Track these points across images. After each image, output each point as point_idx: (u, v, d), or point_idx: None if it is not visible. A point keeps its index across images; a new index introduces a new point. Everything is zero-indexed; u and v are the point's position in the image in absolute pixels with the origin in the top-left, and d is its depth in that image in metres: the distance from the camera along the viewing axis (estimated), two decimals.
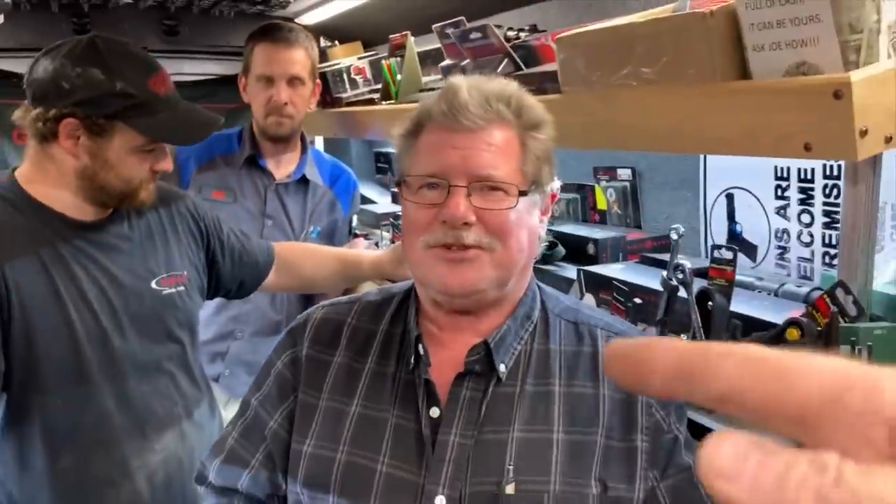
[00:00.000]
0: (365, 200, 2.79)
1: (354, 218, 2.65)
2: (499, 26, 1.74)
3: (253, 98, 2.29)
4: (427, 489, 1.05)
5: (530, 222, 1.11)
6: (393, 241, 2.43)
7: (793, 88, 1.01)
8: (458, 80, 1.12)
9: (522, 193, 1.08)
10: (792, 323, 1.11)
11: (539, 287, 1.21)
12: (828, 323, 1.07)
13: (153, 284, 1.57)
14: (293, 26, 2.31)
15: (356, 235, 2.58)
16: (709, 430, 1.16)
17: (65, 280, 1.45)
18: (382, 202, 3.15)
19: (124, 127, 1.44)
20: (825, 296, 1.12)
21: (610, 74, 1.30)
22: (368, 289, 1.77)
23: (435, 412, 1.09)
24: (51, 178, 1.48)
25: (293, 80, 2.26)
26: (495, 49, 1.60)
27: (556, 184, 1.20)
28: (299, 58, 2.26)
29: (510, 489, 1.03)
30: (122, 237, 1.56)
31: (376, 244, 2.44)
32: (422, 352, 1.12)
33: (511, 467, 1.03)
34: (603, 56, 1.32)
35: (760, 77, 1.08)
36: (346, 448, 1.12)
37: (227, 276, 1.80)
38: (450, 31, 1.78)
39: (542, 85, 1.50)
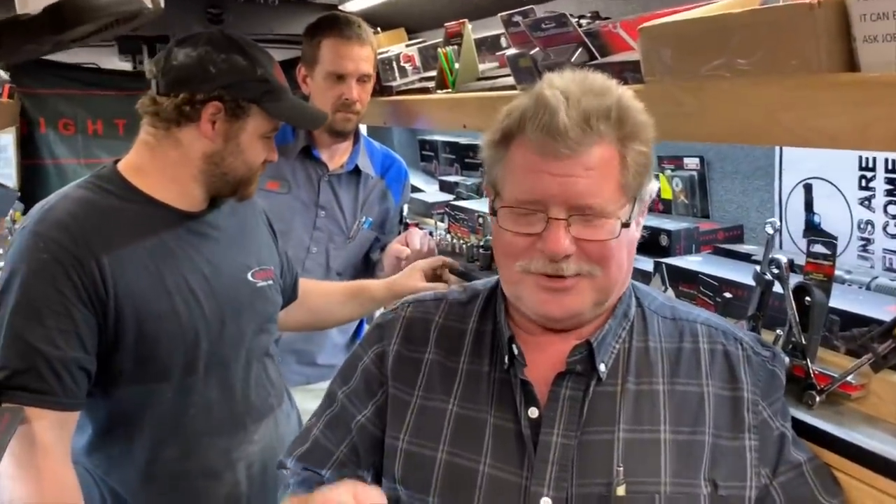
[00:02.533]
0: (412, 189, 2.77)
1: (405, 207, 2.64)
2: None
3: (319, 93, 2.25)
4: (532, 491, 1.04)
5: (630, 237, 1.08)
6: (449, 231, 2.41)
7: None
8: (555, 94, 1.02)
9: (625, 225, 1.04)
10: None
11: (633, 284, 1.19)
12: None
13: (249, 276, 1.60)
14: (360, 21, 2.27)
15: (408, 225, 2.56)
16: (813, 428, 1.14)
17: (171, 269, 1.47)
18: (430, 190, 3.12)
19: (258, 111, 1.51)
20: None
21: (700, 65, 1.26)
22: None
23: (534, 412, 1.08)
24: (167, 165, 1.50)
25: (363, 77, 2.25)
26: (570, 38, 1.57)
27: (655, 185, 1.16)
28: (368, 55, 2.25)
29: (621, 490, 1.01)
30: (219, 228, 1.58)
31: (430, 234, 2.41)
32: (516, 352, 1.11)
33: (621, 468, 1.02)
34: (692, 46, 1.28)
35: (871, 69, 1.04)
36: (445, 448, 1.11)
37: None
38: (518, 19, 1.74)
39: (621, 74, 1.46)
